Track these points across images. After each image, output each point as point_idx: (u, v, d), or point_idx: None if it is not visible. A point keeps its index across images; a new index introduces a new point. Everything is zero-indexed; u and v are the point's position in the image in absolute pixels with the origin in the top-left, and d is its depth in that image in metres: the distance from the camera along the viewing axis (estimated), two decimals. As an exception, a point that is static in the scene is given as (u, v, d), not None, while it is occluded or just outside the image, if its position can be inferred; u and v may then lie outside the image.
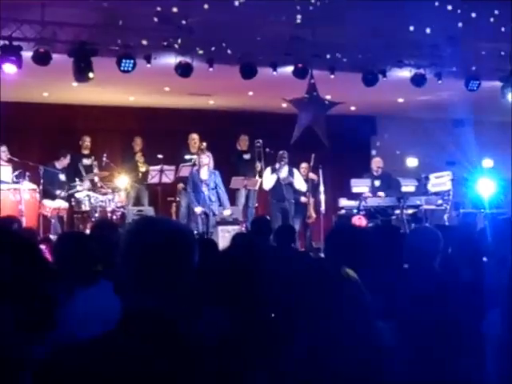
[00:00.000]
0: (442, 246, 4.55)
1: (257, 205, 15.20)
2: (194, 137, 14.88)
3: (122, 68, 11.73)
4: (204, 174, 13.33)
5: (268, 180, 14.21)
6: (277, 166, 14.14)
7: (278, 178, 14.02)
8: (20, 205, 12.31)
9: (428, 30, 11.59)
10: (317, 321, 2.50)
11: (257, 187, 14.64)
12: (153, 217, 3.67)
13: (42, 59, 11.30)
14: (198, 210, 13.27)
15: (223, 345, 2.26)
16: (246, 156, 15.43)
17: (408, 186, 14.41)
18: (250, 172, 14.91)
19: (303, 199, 14.60)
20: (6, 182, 12.53)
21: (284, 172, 14.13)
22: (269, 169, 14.32)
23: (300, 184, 14.32)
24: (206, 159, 13.45)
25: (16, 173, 12.73)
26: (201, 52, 12.08)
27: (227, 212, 13.52)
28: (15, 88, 12.78)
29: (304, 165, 14.73)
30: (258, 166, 14.87)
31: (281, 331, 2.67)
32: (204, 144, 14.32)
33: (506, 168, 14.89)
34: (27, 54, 11.21)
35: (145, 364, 2.06)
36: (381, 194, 14.28)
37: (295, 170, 14.35)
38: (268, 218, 10.92)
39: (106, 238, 5.75)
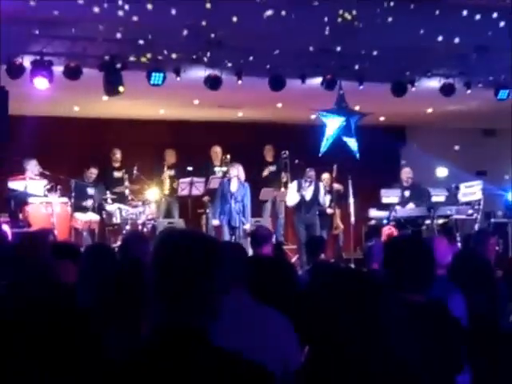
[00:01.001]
0: None
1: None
2: (217, 150, 14.95)
3: (151, 81, 11.81)
4: (234, 186, 13.33)
5: (292, 197, 14.14)
6: (303, 183, 14.05)
7: (303, 197, 13.96)
8: (52, 218, 12.42)
9: (457, 40, 11.55)
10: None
11: (286, 198, 14.64)
12: (181, 229, 3.68)
13: (72, 74, 11.40)
14: (216, 222, 13.30)
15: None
16: (272, 167, 15.46)
17: (438, 196, 14.33)
18: (275, 183, 14.94)
19: (329, 210, 14.58)
20: (38, 195, 12.65)
21: (309, 192, 14.06)
22: (295, 184, 14.20)
23: (323, 201, 14.26)
24: (235, 171, 13.43)
25: (48, 186, 12.85)
26: (229, 65, 12.14)
27: (247, 226, 13.43)
28: (46, 103, 12.92)
29: (326, 175, 14.69)
30: (284, 176, 14.88)
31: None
32: (228, 156, 14.37)
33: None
34: (58, 69, 11.32)
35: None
36: (410, 205, 14.22)
37: (321, 187, 14.27)
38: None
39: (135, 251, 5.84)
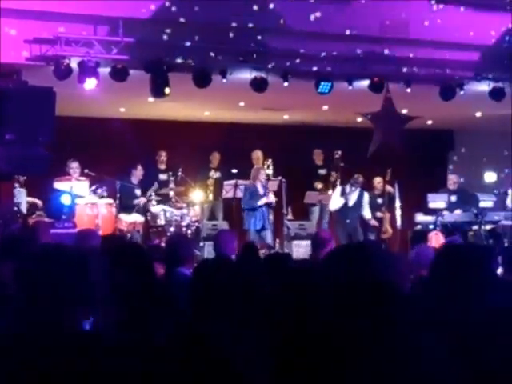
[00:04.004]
0: None
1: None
2: (258, 155, 14.86)
3: (198, 83, 11.81)
4: (261, 189, 13.24)
5: (335, 201, 14.04)
6: (347, 189, 13.94)
7: (346, 202, 13.86)
8: (97, 219, 12.48)
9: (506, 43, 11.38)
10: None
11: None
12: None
13: (119, 75, 11.43)
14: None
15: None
16: (322, 171, 15.35)
17: (486, 202, 14.13)
18: (325, 187, 14.84)
19: (379, 214, 14.43)
20: (83, 196, 12.70)
21: (354, 197, 13.95)
22: (339, 189, 14.12)
23: (366, 212, 14.13)
24: (263, 175, 13.39)
25: (93, 187, 12.91)
26: (276, 67, 12.08)
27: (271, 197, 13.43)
28: (93, 104, 12.98)
29: (378, 179, 14.57)
30: (334, 176, 14.75)
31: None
32: (269, 160, 14.30)
33: None
34: (105, 70, 11.36)
35: None
36: (458, 210, 14.02)
37: (366, 196, 14.15)
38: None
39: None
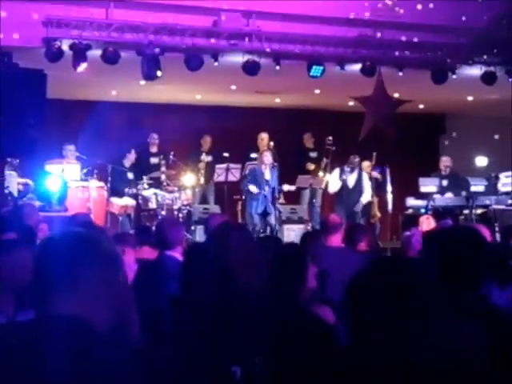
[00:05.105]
0: None
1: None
2: (264, 136, 14.78)
3: (189, 66, 11.78)
4: (268, 174, 13.22)
5: (333, 184, 14.03)
6: (345, 169, 13.93)
7: (345, 184, 13.85)
8: (88, 202, 12.46)
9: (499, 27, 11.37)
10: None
11: (322, 186, 14.53)
12: None
13: (110, 58, 11.41)
14: (253, 188, 13.20)
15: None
16: (313, 154, 15.33)
17: (477, 186, 14.12)
18: (316, 170, 14.81)
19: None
20: (75, 179, 12.68)
21: (352, 179, 13.94)
22: (337, 171, 14.04)
23: (365, 195, 14.13)
24: (269, 158, 13.34)
25: (84, 171, 12.89)
26: (268, 50, 12.06)
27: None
28: (84, 87, 12.94)
29: (367, 163, 14.52)
30: (324, 161, 14.72)
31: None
32: (272, 143, 14.27)
33: None
34: (96, 53, 11.33)
35: None
36: (449, 194, 14.04)
37: (365, 176, 14.15)
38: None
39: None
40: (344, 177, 13.84)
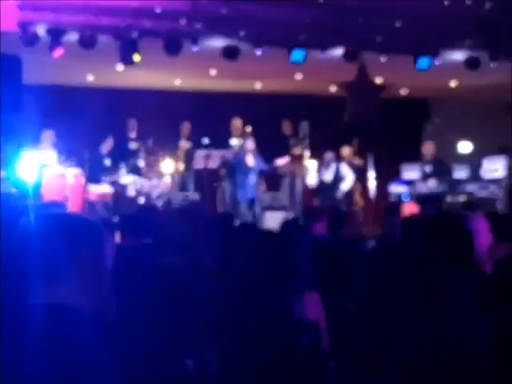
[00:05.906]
0: None
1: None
2: (237, 122, 14.63)
3: (168, 51, 11.62)
4: (250, 160, 13.11)
5: (312, 177, 13.93)
6: (321, 167, 13.84)
7: (322, 180, 13.76)
8: (65, 189, 12.25)
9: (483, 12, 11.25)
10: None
11: (303, 173, 14.38)
12: None
13: (87, 42, 11.25)
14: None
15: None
16: (291, 141, 15.15)
17: (460, 172, 14.05)
18: (295, 158, 14.67)
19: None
20: (51, 166, 12.48)
21: (329, 175, 13.82)
22: (315, 165, 13.96)
23: (347, 182, 13.99)
24: (252, 145, 13.24)
25: (61, 157, 12.70)
26: (248, 34, 11.88)
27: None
28: (60, 71, 12.73)
29: (347, 149, 14.37)
30: (299, 148, 14.56)
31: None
32: (249, 128, 14.10)
33: None
34: (73, 38, 11.13)
35: None
36: (432, 181, 13.93)
37: (344, 167, 13.99)
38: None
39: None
40: (320, 174, 13.75)
